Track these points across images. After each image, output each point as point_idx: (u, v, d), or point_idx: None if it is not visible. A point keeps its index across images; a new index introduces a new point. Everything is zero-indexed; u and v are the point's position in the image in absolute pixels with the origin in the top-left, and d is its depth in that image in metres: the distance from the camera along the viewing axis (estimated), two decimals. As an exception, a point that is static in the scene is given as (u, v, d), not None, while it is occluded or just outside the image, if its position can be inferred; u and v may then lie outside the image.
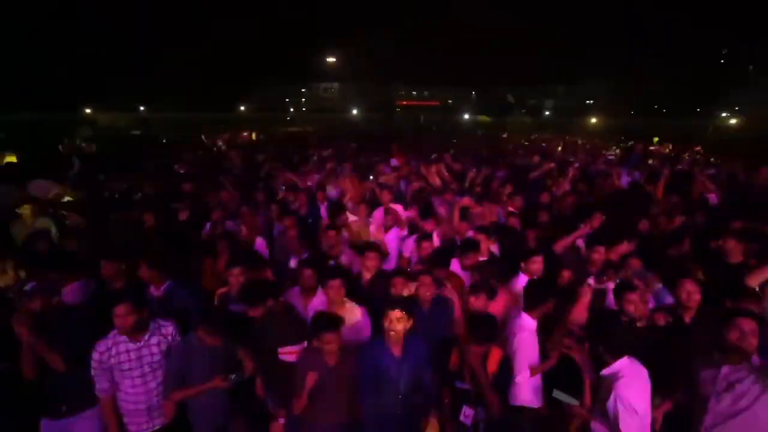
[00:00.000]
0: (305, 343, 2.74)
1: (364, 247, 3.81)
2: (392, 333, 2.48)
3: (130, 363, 2.56)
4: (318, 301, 3.15)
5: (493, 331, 2.74)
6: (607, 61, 43.96)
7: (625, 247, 4.00)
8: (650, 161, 10.38)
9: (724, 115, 32.89)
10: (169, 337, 2.68)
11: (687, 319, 3.03)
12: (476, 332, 2.63)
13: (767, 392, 2.15)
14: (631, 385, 2.27)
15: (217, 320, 2.59)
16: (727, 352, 2.31)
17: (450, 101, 54.81)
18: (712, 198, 6.09)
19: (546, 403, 2.87)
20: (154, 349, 2.63)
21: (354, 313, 3.00)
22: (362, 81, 53.32)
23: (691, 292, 3.03)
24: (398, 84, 57.70)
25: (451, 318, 3.22)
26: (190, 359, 2.55)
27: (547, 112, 45.62)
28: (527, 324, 2.92)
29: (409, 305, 2.57)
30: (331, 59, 51.25)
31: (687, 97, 38.32)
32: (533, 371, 2.82)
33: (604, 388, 2.38)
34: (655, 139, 17.12)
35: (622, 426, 2.22)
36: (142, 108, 40.51)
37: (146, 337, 2.61)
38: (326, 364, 2.51)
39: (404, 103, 56.38)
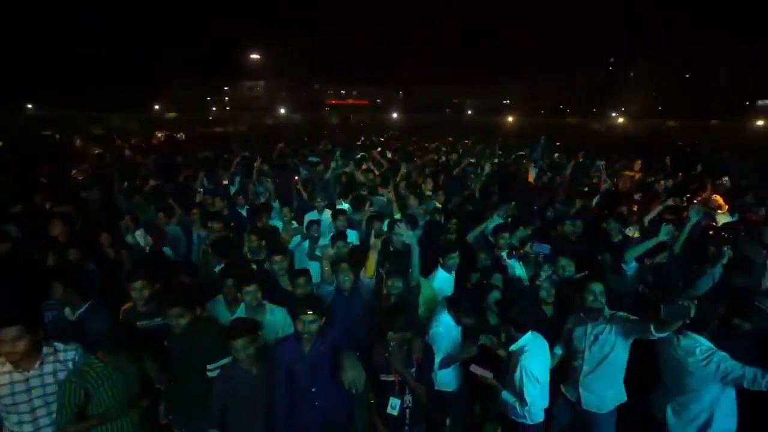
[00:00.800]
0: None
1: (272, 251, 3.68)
2: (305, 335, 2.47)
3: (15, 397, 2.22)
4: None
5: (413, 319, 2.86)
6: (523, 64, 48.37)
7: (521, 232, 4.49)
8: (555, 155, 11.58)
9: (614, 114, 37.79)
10: (69, 364, 2.34)
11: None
12: (394, 321, 2.62)
13: (620, 336, 2.68)
14: (534, 358, 2.58)
15: (117, 339, 2.37)
16: (587, 312, 2.79)
17: (379, 100, 55.66)
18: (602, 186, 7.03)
19: (463, 383, 3.09)
20: (48, 379, 2.27)
21: (275, 316, 2.96)
22: (289, 79, 51.99)
23: (565, 266, 3.69)
24: (326, 83, 57.25)
25: (369, 306, 3.30)
26: (88, 387, 2.26)
27: (469, 111, 48.39)
28: (444, 320, 3.02)
29: (320, 305, 2.56)
30: (255, 56, 49.20)
31: (584, 100, 43.92)
32: (449, 362, 2.97)
33: (512, 361, 2.66)
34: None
35: (526, 394, 2.53)
36: (29, 106, 35.41)
37: (37, 365, 2.25)
38: (248, 374, 2.43)
39: (333, 102, 56.07)
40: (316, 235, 4.54)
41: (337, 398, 2.55)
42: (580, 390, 2.84)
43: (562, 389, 2.99)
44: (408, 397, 2.63)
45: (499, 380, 2.72)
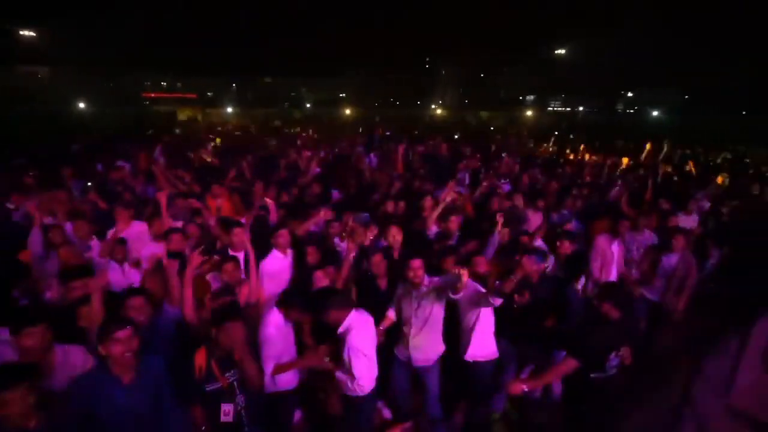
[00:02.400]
0: None
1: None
2: (126, 355, 2.13)
3: None
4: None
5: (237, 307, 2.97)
6: (356, 59, 51.26)
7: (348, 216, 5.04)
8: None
9: (433, 107, 44.01)
10: None
11: (396, 255, 4.14)
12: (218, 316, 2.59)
13: (436, 300, 3.29)
14: (360, 334, 2.82)
15: None
16: (409, 283, 3.33)
17: (210, 93, 50.84)
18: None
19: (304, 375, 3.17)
20: None
21: (70, 355, 2.42)
22: (89, 66, 42.59)
23: (395, 234, 4.21)
24: (142, 72, 49.08)
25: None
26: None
27: (308, 105, 48.81)
28: (274, 320, 2.97)
29: (133, 322, 2.27)
30: (30, 33, 38.55)
31: (410, 94, 49.95)
32: (281, 369, 2.90)
33: (341, 342, 2.86)
34: None
35: (354, 369, 2.76)
36: None
37: None
38: None
39: (152, 95, 48.59)
40: None
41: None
42: (410, 351, 3.35)
43: (395, 351, 3.48)
44: (240, 398, 2.54)
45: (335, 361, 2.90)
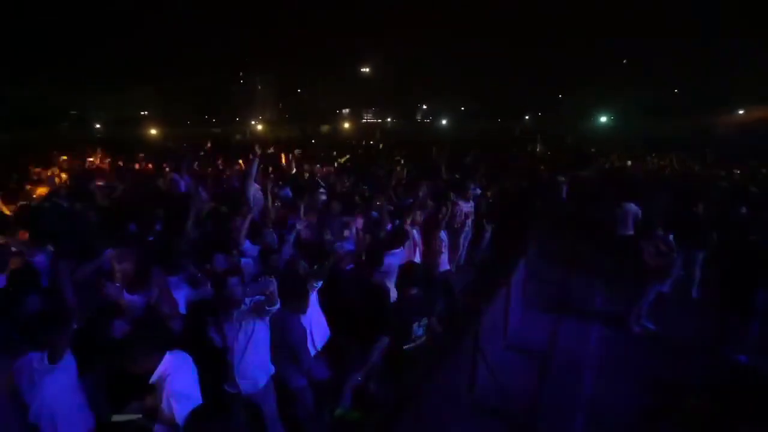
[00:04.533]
0: None
1: None
2: None
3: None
4: None
5: None
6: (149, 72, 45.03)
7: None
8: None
9: (253, 122, 42.97)
10: None
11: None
12: None
13: (257, 318, 3.02)
14: (177, 377, 2.46)
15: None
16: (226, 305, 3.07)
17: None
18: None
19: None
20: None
21: None
22: None
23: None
24: None
25: None
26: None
27: (97, 125, 40.61)
28: None
29: None
30: None
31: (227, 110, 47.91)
32: None
33: (157, 392, 2.44)
34: None
35: (178, 417, 2.35)
36: None
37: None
38: None
39: None
40: None
41: None
42: (238, 380, 3.01)
43: (225, 388, 3.09)
44: None
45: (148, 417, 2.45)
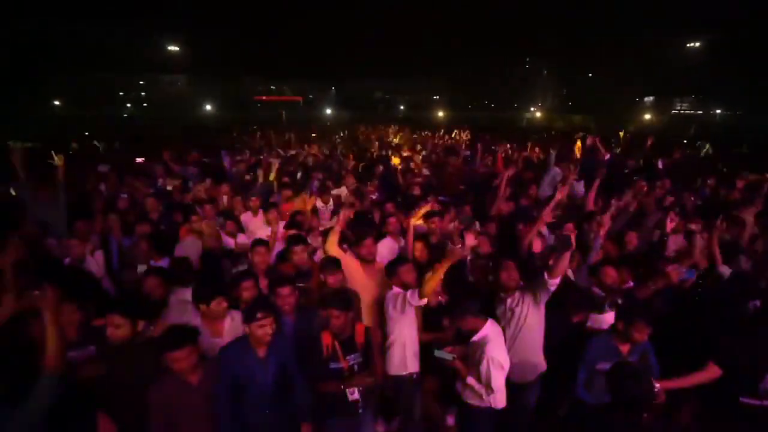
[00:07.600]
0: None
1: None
2: (266, 337, 2.36)
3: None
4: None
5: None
6: (449, 61, 50.81)
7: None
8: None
9: (532, 109, 41.54)
10: None
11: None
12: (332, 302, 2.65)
13: (533, 305, 2.88)
14: (497, 346, 2.61)
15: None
16: (504, 289, 3.00)
17: (311, 96, 54.65)
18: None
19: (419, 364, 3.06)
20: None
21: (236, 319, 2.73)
22: (214, 74, 49.10)
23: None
24: (255, 78, 54.85)
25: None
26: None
27: (401, 107, 49.45)
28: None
29: (276, 310, 2.51)
30: (174, 48, 45.93)
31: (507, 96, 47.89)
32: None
33: (475, 352, 2.64)
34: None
35: (494, 383, 2.53)
36: None
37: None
38: (188, 384, 2.27)
39: (264, 98, 53.93)
40: None
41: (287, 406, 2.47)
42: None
43: None
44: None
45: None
